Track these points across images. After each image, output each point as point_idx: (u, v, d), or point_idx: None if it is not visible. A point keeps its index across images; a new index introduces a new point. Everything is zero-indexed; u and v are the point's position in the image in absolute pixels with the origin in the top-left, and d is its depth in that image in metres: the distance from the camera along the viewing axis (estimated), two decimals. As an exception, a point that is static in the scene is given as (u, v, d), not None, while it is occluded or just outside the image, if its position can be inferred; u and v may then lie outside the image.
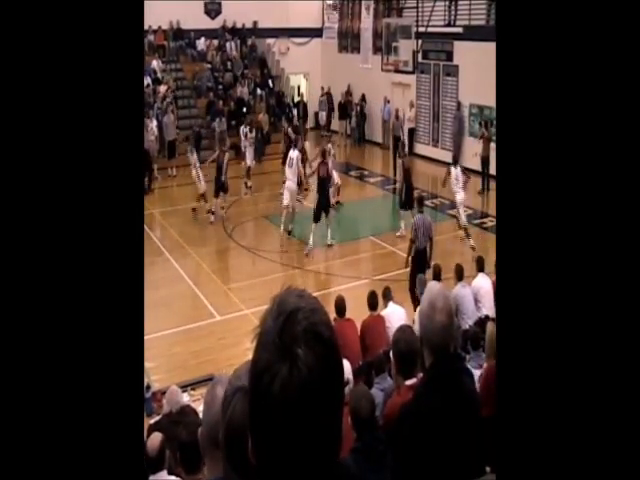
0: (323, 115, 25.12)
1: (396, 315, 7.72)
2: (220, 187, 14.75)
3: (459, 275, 8.65)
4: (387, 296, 8.27)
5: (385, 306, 8.10)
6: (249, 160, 17.69)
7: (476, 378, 2.96)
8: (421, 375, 2.91)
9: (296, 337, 1.04)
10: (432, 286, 2.64)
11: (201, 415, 1.94)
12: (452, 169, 13.29)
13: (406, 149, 16.19)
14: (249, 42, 25.00)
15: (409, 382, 3.30)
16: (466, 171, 13.45)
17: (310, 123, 25.33)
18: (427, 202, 16.10)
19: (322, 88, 25.39)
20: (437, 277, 8.39)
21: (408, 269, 10.42)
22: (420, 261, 10.10)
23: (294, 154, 13.75)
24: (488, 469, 2.67)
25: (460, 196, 13.09)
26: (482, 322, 7.53)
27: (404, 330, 3.58)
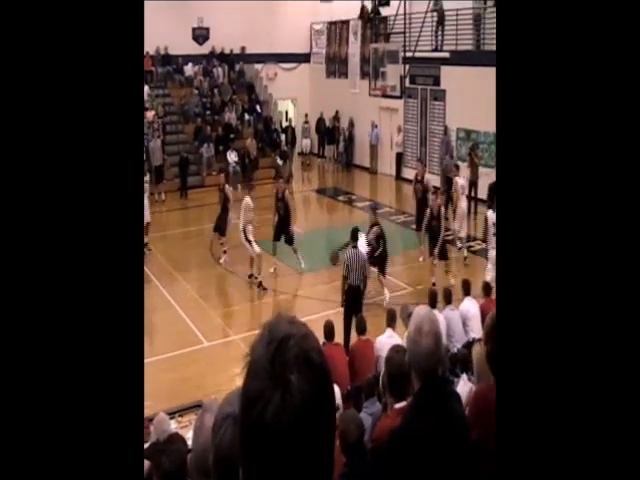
0: (307, 143, 25.21)
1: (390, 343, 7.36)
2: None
3: (447, 298, 8.65)
4: (391, 321, 7.74)
5: (386, 330, 7.69)
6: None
7: (464, 401, 2.95)
8: (410, 399, 2.90)
9: (288, 364, 1.03)
10: (419, 310, 2.64)
11: (189, 442, 1.93)
12: (489, 213, 10.84)
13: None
14: (237, 67, 25.13)
15: (399, 405, 3.26)
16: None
17: (299, 148, 25.31)
18: (412, 226, 16.14)
19: (306, 115, 25.51)
20: (432, 303, 8.12)
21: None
22: (354, 299, 9.44)
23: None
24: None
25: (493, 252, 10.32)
26: (470, 345, 7.50)
27: (397, 350, 3.49)
